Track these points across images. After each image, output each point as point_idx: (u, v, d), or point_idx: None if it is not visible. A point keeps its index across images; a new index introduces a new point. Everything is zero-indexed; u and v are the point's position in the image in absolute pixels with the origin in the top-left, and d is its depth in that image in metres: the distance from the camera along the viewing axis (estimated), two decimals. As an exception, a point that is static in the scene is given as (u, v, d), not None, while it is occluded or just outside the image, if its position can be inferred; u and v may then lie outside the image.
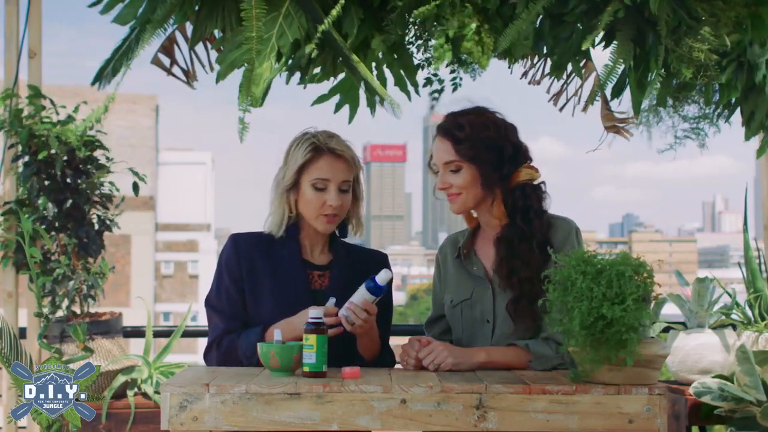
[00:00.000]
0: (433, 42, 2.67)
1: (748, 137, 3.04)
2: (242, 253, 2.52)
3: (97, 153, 3.79)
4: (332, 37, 2.59)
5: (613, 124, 2.82)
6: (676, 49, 2.57)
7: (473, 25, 2.48)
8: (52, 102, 3.74)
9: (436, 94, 2.83)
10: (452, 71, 2.76)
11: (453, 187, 2.51)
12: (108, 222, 3.83)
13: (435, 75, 2.81)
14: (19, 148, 3.67)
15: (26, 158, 3.67)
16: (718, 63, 2.67)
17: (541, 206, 2.51)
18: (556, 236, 2.47)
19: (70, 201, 3.69)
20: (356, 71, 2.61)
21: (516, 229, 2.48)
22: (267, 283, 2.49)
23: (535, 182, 2.53)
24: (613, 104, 2.87)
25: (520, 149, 2.53)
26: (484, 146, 2.47)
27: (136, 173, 3.87)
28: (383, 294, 2.40)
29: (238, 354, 2.45)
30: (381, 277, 2.39)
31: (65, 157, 3.67)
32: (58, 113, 3.74)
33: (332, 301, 2.39)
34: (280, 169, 2.55)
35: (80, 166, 3.74)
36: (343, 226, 2.60)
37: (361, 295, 2.38)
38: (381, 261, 2.62)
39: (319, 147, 2.50)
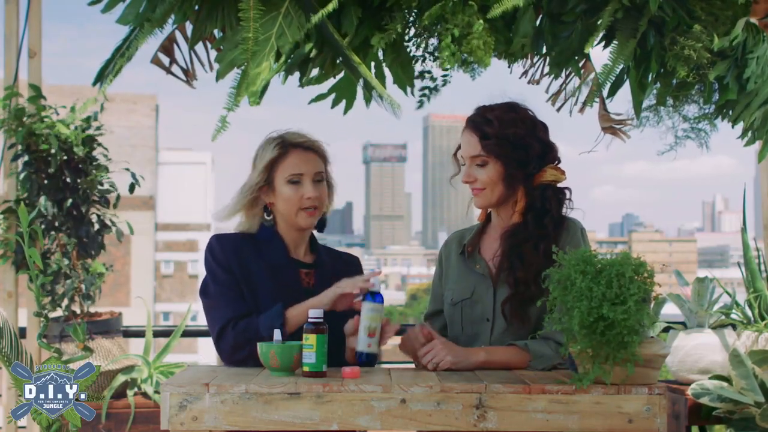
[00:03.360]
0: (433, 41, 2.68)
1: (746, 144, 3.03)
2: (229, 250, 2.50)
3: (97, 153, 3.80)
4: (331, 36, 2.59)
5: (610, 125, 2.82)
6: (673, 48, 2.57)
7: (481, 22, 2.48)
8: (50, 106, 3.74)
9: (426, 91, 2.83)
10: (444, 69, 2.76)
11: (477, 181, 2.50)
12: (109, 223, 3.84)
13: (428, 72, 2.81)
14: (18, 147, 3.67)
15: (25, 157, 3.67)
16: (713, 62, 2.67)
17: (560, 211, 2.49)
18: (565, 237, 2.47)
19: (69, 200, 3.70)
20: (356, 70, 2.61)
21: (525, 228, 2.47)
22: (262, 280, 2.48)
23: (559, 185, 2.51)
24: (612, 105, 2.87)
25: (548, 148, 2.51)
26: (511, 143, 2.46)
27: (133, 174, 3.87)
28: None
29: (257, 329, 2.38)
30: (377, 286, 2.39)
31: (64, 156, 3.68)
32: (57, 113, 3.74)
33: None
34: (249, 176, 2.55)
35: (79, 165, 3.74)
36: (321, 221, 2.60)
37: (376, 312, 2.37)
38: (357, 263, 2.68)
39: (287, 143, 2.52)
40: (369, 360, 2.37)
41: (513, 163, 2.46)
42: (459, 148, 2.58)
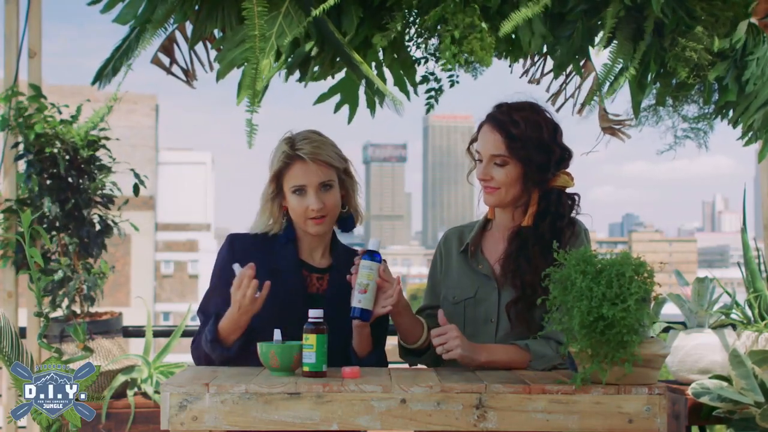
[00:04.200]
0: (433, 41, 2.68)
1: (746, 143, 3.03)
2: (237, 254, 2.50)
3: (100, 153, 3.80)
4: (332, 35, 2.59)
5: (610, 126, 2.82)
6: (673, 49, 2.57)
7: (483, 24, 2.48)
8: (52, 104, 3.74)
9: (432, 92, 2.82)
10: (442, 69, 2.76)
11: (494, 180, 2.48)
12: (111, 224, 3.84)
13: (432, 74, 2.80)
14: (21, 147, 3.68)
15: (29, 157, 3.67)
16: (713, 63, 2.67)
17: (571, 217, 2.50)
18: (570, 237, 2.47)
19: (72, 201, 3.70)
20: (356, 68, 2.61)
21: (535, 231, 2.46)
22: (263, 282, 2.48)
23: (569, 190, 2.51)
24: (612, 105, 2.87)
25: (566, 154, 2.51)
26: (536, 147, 2.45)
27: (137, 175, 3.88)
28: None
29: (203, 348, 2.44)
30: (374, 245, 2.39)
31: (67, 157, 3.68)
32: (60, 112, 3.74)
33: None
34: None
35: (82, 166, 3.74)
36: (345, 220, 2.59)
37: (370, 270, 2.36)
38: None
39: (291, 154, 2.49)
40: (361, 315, 2.36)
41: (534, 166, 2.45)
42: (473, 141, 2.56)
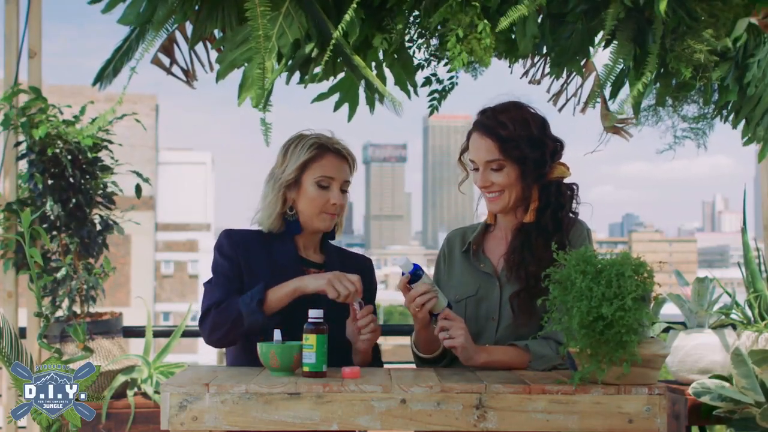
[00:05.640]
0: (434, 41, 2.67)
1: (746, 143, 3.03)
2: (237, 244, 2.53)
3: (102, 153, 3.81)
4: (332, 35, 2.59)
5: (613, 125, 2.82)
6: (675, 49, 2.57)
7: (486, 21, 2.48)
8: (53, 105, 3.74)
9: (435, 95, 2.82)
10: (449, 70, 2.76)
11: (495, 185, 2.48)
12: (111, 223, 3.84)
13: (434, 75, 2.80)
14: (23, 146, 3.67)
15: (32, 157, 3.67)
16: (716, 64, 2.67)
17: (571, 207, 2.51)
18: (574, 236, 2.47)
19: (73, 201, 3.70)
20: (356, 69, 2.62)
21: (539, 224, 2.47)
22: (263, 277, 2.49)
23: (567, 181, 2.52)
24: (612, 105, 2.86)
25: (559, 145, 2.52)
26: (529, 145, 2.45)
27: (140, 175, 3.88)
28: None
29: (237, 307, 2.41)
30: (407, 265, 2.41)
31: (69, 157, 3.68)
32: (62, 112, 3.74)
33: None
34: (275, 167, 2.57)
35: (84, 166, 3.74)
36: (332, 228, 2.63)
37: (426, 279, 2.40)
38: (369, 266, 2.69)
39: (324, 146, 2.54)
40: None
41: (530, 163, 2.46)
42: (463, 151, 2.57)
